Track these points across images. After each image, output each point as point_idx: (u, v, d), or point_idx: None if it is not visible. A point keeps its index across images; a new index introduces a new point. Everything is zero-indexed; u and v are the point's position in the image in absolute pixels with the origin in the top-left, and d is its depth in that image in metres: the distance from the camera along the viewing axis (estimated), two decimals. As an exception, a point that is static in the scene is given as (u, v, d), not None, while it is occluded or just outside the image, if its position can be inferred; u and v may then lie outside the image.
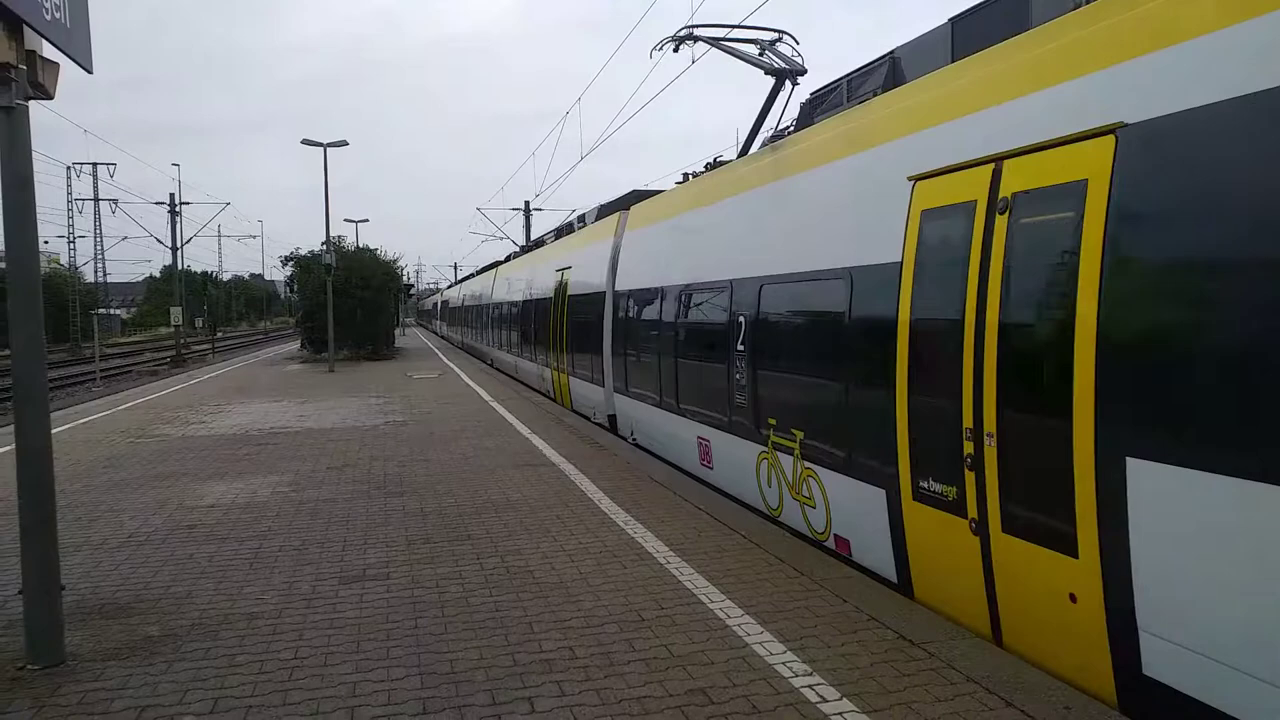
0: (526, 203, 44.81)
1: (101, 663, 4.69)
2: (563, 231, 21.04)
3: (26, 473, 4.65)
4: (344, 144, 28.14)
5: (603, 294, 13.38)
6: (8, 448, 5.58)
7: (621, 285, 12.62)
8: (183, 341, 44.64)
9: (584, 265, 15.42)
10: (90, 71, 4.96)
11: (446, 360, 31.36)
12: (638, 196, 13.82)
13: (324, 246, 28.84)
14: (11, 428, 4.82)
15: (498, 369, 27.12)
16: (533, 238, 39.49)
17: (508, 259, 32.53)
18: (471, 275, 48.55)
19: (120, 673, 4.55)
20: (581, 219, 18.66)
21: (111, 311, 76.43)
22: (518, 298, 23.60)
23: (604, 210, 16.00)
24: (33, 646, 4.65)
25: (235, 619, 5.32)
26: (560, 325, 16.85)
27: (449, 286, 74.42)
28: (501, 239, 48.16)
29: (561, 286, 17.07)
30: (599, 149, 24.12)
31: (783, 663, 4.52)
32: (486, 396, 18.20)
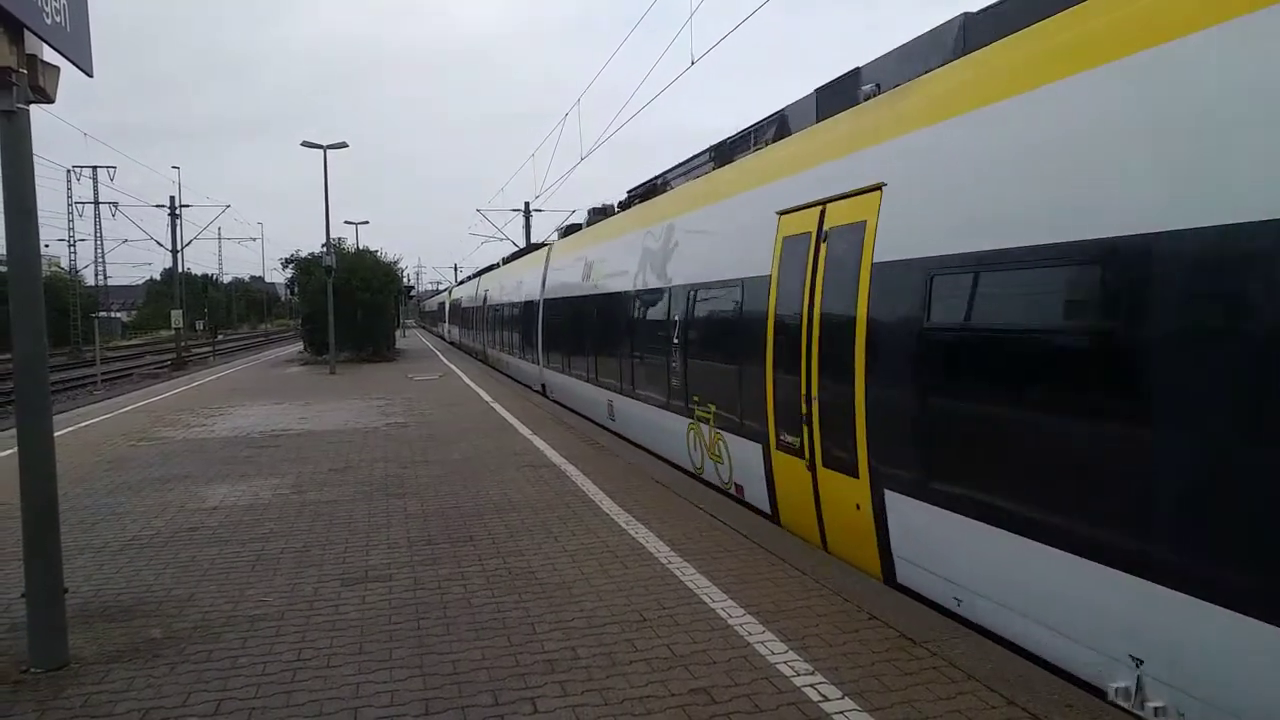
0: (526, 204, 44.85)
1: (105, 665, 4.69)
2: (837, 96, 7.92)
3: (29, 476, 4.66)
4: (344, 145, 28.18)
5: None
6: (10, 451, 5.58)
7: None
8: (183, 344, 44.63)
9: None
10: (91, 75, 4.97)
11: (448, 362, 31.37)
12: None
13: (324, 248, 28.85)
14: (14, 432, 4.83)
15: (576, 412, 15.51)
16: (532, 239, 38.49)
17: (593, 220, 17.91)
18: (492, 266, 37.00)
19: (124, 675, 4.56)
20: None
21: (112, 315, 76.42)
22: (677, 280, 10.46)
23: None
24: (36, 650, 4.66)
25: (238, 621, 5.33)
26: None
27: (461, 282, 55.55)
28: (502, 240, 48.13)
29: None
30: (599, 151, 23.96)
31: (784, 662, 4.52)
32: (488, 398, 18.21)
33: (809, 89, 8.44)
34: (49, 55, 4.68)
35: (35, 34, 4.45)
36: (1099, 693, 4.19)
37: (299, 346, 37.94)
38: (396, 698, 4.24)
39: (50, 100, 4.76)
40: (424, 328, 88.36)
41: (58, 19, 4.58)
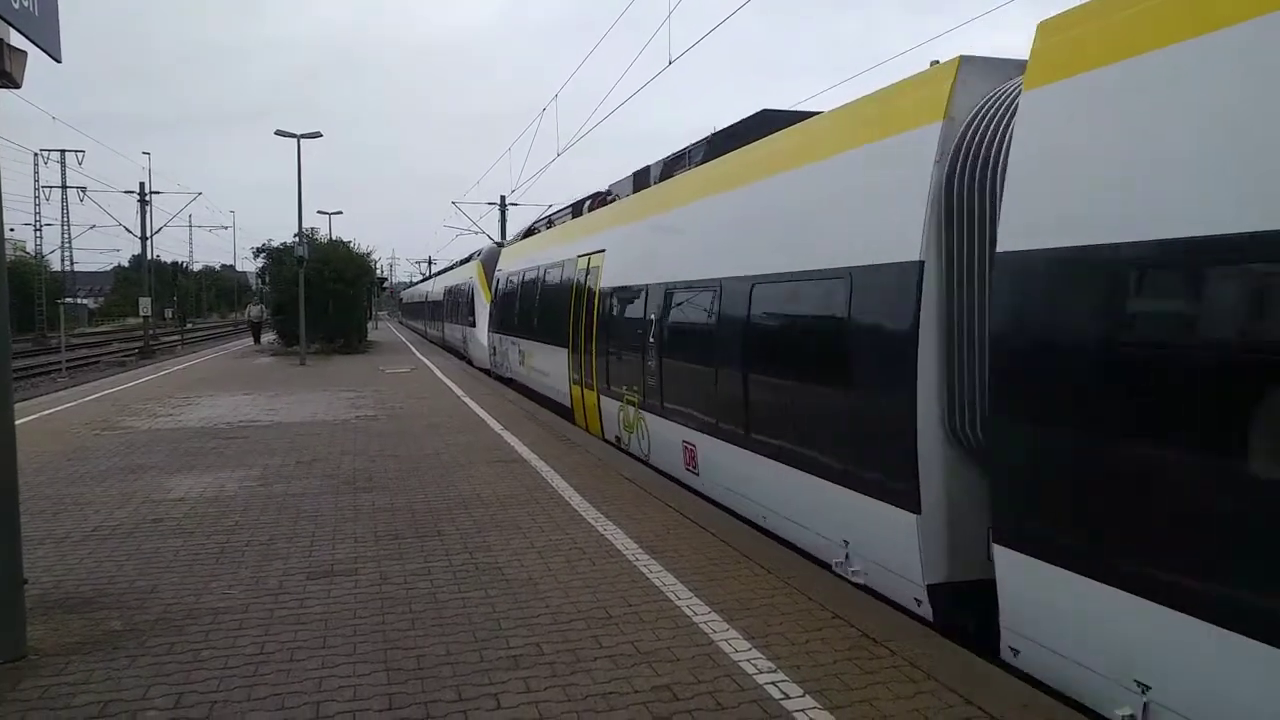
0: (502, 197, 44.61)
1: (64, 657, 4.65)
2: None
3: (-12, 465, 4.60)
4: (318, 135, 27.88)
5: None
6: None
7: None
8: (151, 332, 44.00)
9: None
10: (59, 60, 4.89)
11: (419, 355, 31.19)
12: None
13: (296, 238, 28.54)
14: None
15: None
16: (507, 234, 38.00)
17: None
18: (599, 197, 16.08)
19: (83, 667, 4.52)
20: None
21: (79, 301, 75.19)
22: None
23: None
24: (-7, 640, 4.60)
25: (200, 614, 5.29)
26: None
27: (511, 239, 26.97)
28: (477, 233, 47.73)
29: None
30: (575, 146, 23.90)
31: (748, 659, 4.57)
32: (459, 392, 18.13)
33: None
34: (16, 40, 4.61)
35: (1, 18, 4.39)
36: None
37: (251, 339, 36.38)
38: (359, 692, 4.23)
39: (16, 85, 4.70)
40: (404, 323, 79.41)
41: (25, 3, 4.51)
